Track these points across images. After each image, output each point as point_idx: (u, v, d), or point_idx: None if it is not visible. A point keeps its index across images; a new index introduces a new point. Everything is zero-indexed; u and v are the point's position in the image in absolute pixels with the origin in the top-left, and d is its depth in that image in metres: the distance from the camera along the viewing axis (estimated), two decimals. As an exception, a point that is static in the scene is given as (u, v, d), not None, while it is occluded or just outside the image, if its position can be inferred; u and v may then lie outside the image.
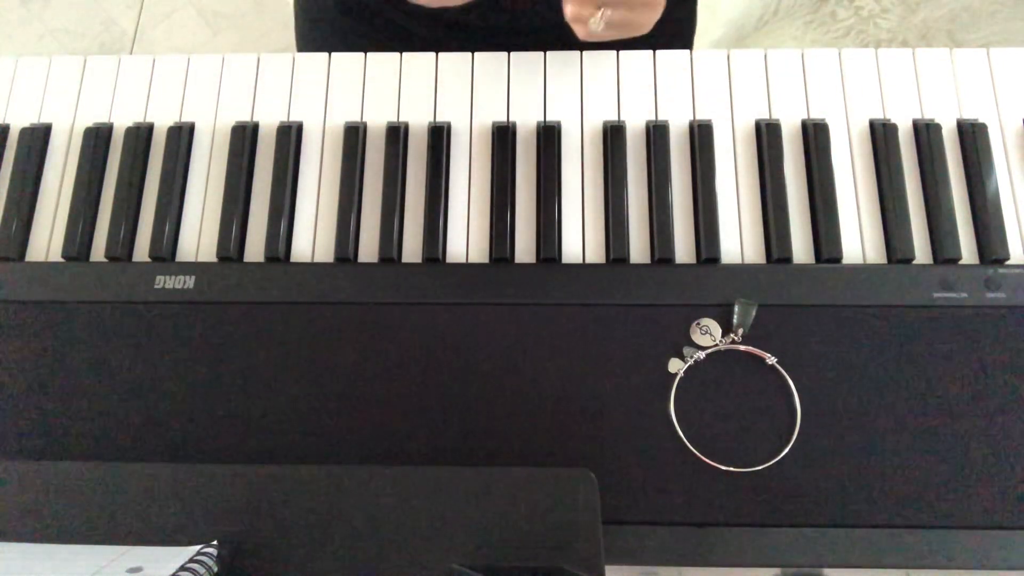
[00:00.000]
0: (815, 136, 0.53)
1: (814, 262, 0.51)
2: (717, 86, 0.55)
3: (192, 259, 0.53)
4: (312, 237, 0.53)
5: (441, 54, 0.57)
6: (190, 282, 0.51)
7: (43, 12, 1.72)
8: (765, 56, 0.56)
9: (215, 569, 0.36)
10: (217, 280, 0.51)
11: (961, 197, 0.52)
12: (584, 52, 0.56)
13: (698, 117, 0.55)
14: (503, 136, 0.54)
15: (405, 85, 0.57)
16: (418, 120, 0.56)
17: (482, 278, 0.50)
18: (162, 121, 0.57)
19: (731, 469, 0.46)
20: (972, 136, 0.53)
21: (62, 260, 0.53)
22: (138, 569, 0.35)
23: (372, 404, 0.48)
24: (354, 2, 0.70)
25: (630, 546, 0.44)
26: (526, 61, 0.57)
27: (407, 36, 0.69)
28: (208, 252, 0.53)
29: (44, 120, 0.57)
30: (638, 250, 0.52)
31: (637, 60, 0.56)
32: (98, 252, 0.53)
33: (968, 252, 0.51)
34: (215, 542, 0.38)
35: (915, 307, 0.49)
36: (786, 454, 0.46)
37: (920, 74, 0.55)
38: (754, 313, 0.48)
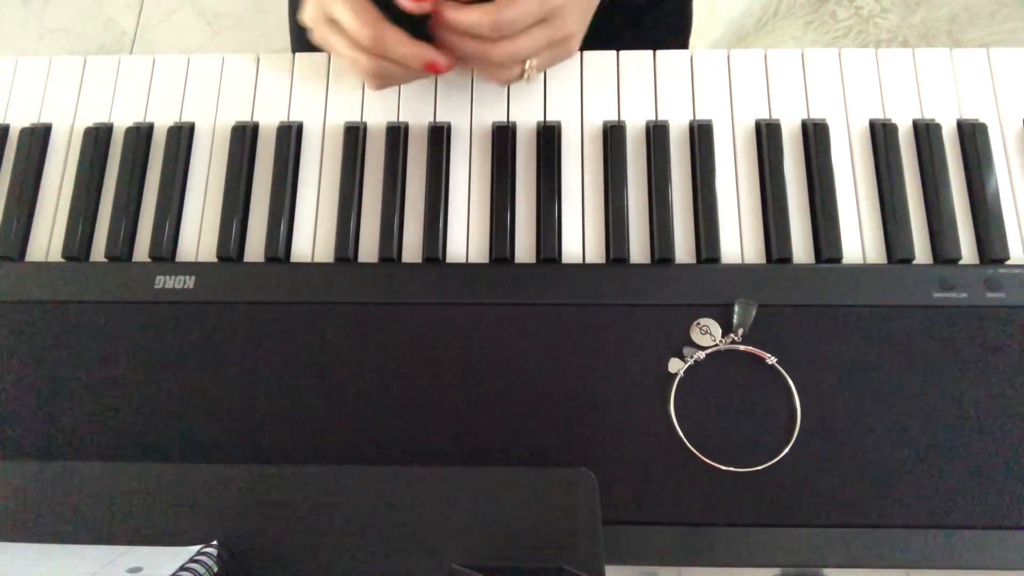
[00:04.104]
0: (815, 136, 0.53)
1: (814, 262, 0.51)
2: (717, 86, 0.55)
3: (192, 259, 0.53)
4: (312, 237, 0.53)
5: (441, 54, 0.57)
6: (190, 282, 0.51)
7: (43, 12, 1.72)
8: (765, 56, 0.56)
9: (215, 569, 0.36)
10: (217, 280, 0.51)
11: (961, 197, 0.52)
12: (584, 52, 0.56)
13: (698, 117, 0.55)
14: (503, 136, 0.54)
15: (405, 85, 0.57)
16: (418, 120, 0.56)
17: (482, 278, 0.50)
18: (162, 121, 0.57)
19: (731, 469, 0.46)
20: (972, 136, 0.53)
21: (62, 260, 0.53)
22: (138, 569, 0.35)
23: (372, 404, 0.48)
24: None
25: (630, 546, 0.44)
26: (526, 61, 0.57)
27: None
28: (208, 252, 0.53)
29: (44, 120, 0.57)
30: (638, 250, 0.52)
31: (637, 60, 0.56)
32: (98, 252, 0.53)
33: (968, 252, 0.51)
34: (215, 542, 0.38)
35: (915, 307, 0.49)
36: (786, 454, 0.46)
37: (920, 74, 0.55)
38: (754, 313, 0.48)
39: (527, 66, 0.49)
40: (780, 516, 0.45)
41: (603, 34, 0.70)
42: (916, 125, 0.54)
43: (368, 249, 0.53)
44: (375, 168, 0.54)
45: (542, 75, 0.56)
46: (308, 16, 0.49)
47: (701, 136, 0.53)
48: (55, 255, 0.54)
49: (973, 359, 0.47)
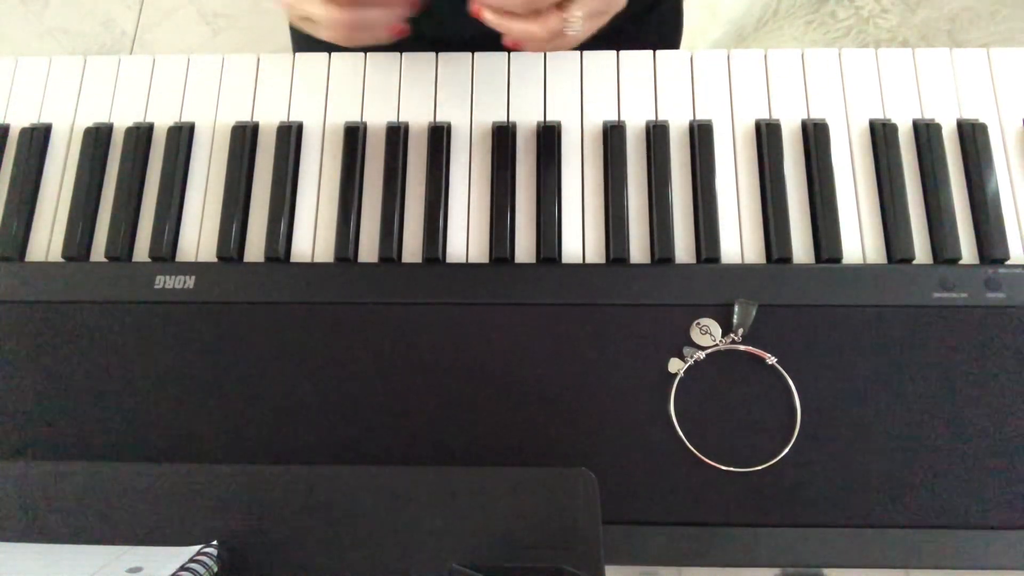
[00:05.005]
0: (815, 136, 0.53)
1: (814, 262, 0.51)
2: (717, 86, 0.55)
3: (192, 259, 0.53)
4: (312, 237, 0.53)
5: (441, 54, 0.57)
6: (190, 282, 0.51)
7: (43, 12, 1.72)
8: (765, 56, 0.56)
9: (215, 569, 0.36)
10: (217, 280, 0.51)
11: (961, 197, 0.52)
12: (584, 52, 0.56)
13: (698, 117, 0.55)
14: (503, 136, 0.54)
15: (405, 85, 0.57)
16: (418, 120, 0.56)
17: (482, 278, 0.50)
18: (162, 121, 0.57)
19: (731, 469, 0.46)
20: (972, 136, 0.53)
21: (62, 260, 0.53)
22: (138, 569, 0.35)
23: (372, 404, 0.48)
24: None
25: (630, 546, 0.44)
26: (526, 61, 0.57)
27: (398, 50, 0.69)
28: (208, 252, 0.53)
29: (44, 120, 0.57)
30: (638, 250, 0.52)
31: (637, 60, 0.56)
32: (98, 252, 0.53)
33: (968, 252, 0.51)
34: (215, 542, 0.38)
35: (915, 307, 0.49)
36: (786, 454, 0.46)
37: (920, 74, 0.55)
38: (754, 313, 0.48)
39: (569, 17, 0.43)
40: (780, 516, 0.45)
41: (599, 36, 0.70)
42: (916, 125, 0.54)
43: (368, 249, 0.53)
44: (375, 168, 0.54)
45: (545, 73, 0.56)
46: None
47: (701, 136, 0.53)
48: (55, 255, 0.54)
49: (973, 359, 0.47)
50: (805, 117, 0.54)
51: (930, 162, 0.52)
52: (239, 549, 0.38)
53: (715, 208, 0.52)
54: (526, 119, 0.55)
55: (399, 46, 0.59)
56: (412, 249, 0.53)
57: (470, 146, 0.55)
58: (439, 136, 0.54)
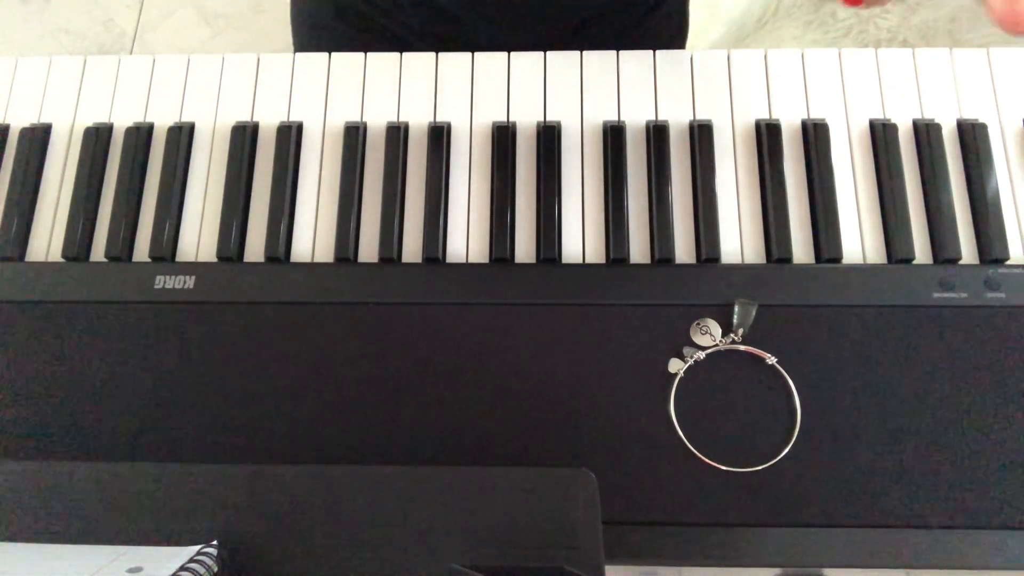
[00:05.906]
0: (815, 136, 0.53)
1: (814, 262, 0.51)
2: (717, 86, 0.55)
3: (192, 259, 0.53)
4: (312, 237, 0.53)
5: (441, 54, 0.57)
6: (190, 282, 0.51)
7: (43, 12, 1.72)
8: (765, 56, 0.56)
9: (215, 569, 0.36)
10: (217, 280, 0.51)
11: (961, 197, 0.52)
12: (584, 52, 0.56)
13: (698, 117, 0.55)
14: (503, 136, 0.54)
15: (405, 85, 0.57)
16: (418, 120, 0.56)
17: (482, 278, 0.50)
18: (162, 121, 0.57)
19: (731, 469, 0.46)
20: (972, 136, 0.53)
21: (62, 260, 0.53)
22: (138, 569, 0.35)
23: (372, 404, 0.48)
24: (352, 12, 0.70)
25: (630, 546, 0.44)
26: (526, 61, 0.57)
27: (405, 48, 0.69)
28: (208, 252, 0.53)
29: (44, 120, 0.57)
30: (638, 250, 0.52)
31: (637, 60, 0.56)
32: (98, 252, 0.53)
33: (968, 252, 0.51)
34: (215, 542, 0.38)
35: (915, 307, 0.49)
36: (786, 454, 0.46)
37: (920, 74, 0.55)
38: (754, 313, 0.48)
39: None
40: (780, 516, 0.45)
41: (604, 36, 0.71)
42: (916, 125, 0.54)
43: (368, 249, 0.53)
44: (375, 168, 0.54)
45: (545, 73, 0.56)
46: None
47: (701, 136, 0.53)
48: (55, 255, 0.54)
49: (973, 359, 0.47)
50: (805, 117, 0.54)
51: (930, 162, 0.52)
52: (239, 549, 0.38)
53: (715, 208, 0.52)
54: (526, 119, 0.55)
55: (399, 46, 0.59)
56: (412, 249, 0.53)
57: (470, 146, 0.55)
58: (439, 136, 0.54)
